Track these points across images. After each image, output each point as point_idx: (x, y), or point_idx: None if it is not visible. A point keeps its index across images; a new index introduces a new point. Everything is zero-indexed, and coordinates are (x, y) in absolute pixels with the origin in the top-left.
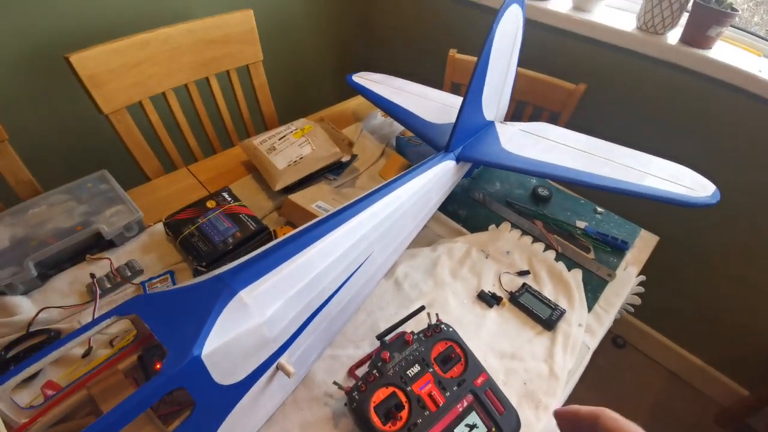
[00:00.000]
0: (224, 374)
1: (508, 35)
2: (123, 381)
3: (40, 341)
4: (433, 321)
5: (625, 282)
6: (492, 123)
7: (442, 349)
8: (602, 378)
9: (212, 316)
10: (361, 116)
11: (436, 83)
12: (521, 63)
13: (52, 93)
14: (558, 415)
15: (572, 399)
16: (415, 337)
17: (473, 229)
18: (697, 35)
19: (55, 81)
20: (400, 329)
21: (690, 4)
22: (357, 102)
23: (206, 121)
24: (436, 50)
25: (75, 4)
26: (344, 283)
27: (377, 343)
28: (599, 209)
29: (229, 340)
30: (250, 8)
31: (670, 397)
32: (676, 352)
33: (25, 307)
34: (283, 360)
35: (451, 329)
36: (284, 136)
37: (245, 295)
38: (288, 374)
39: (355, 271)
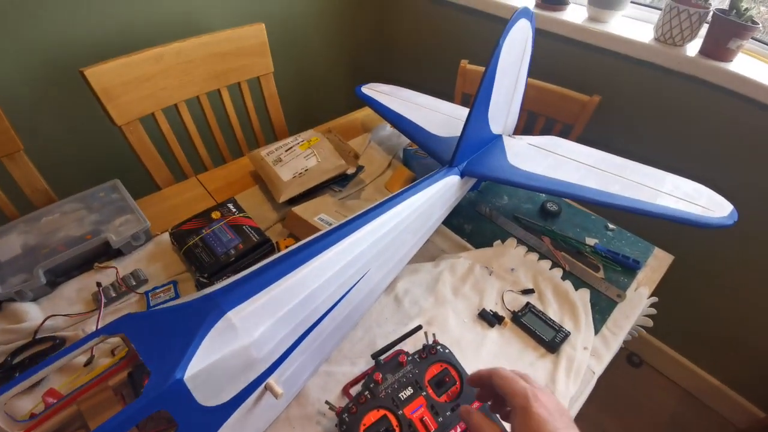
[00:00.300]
0: (209, 395)
1: (516, 49)
2: (112, 398)
3: (45, 348)
4: (430, 341)
5: (636, 303)
6: (499, 137)
7: (437, 371)
8: (617, 397)
9: (198, 338)
10: (369, 127)
11: (449, 95)
12: (534, 74)
13: (67, 104)
14: (468, 382)
15: (584, 418)
16: (410, 358)
17: (478, 245)
18: (717, 48)
19: (71, 93)
20: (397, 348)
21: (709, 16)
22: (366, 113)
23: (217, 131)
24: (449, 61)
25: (90, 18)
26: (338, 302)
27: (373, 361)
28: (611, 226)
29: (215, 361)
30: (261, 22)
31: (685, 418)
32: (693, 371)
33: (32, 313)
34: (272, 380)
35: (447, 350)
36: (291, 148)
37: (233, 315)
38: (276, 395)
39: (350, 290)
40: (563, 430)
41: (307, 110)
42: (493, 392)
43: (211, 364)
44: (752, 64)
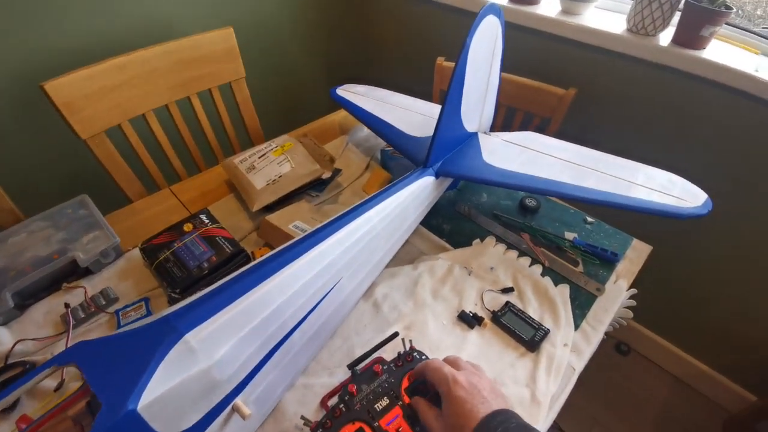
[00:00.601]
0: (169, 423)
1: (485, 46)
2: (71, 428)
3: (17, 374)
4: (407, 347)
5: (615, 296)
6: (474, 134)
7: (414, 379)
8: (607, 386)
9: (153, 364)
10: (346, 129)
11: (429, 93)
12: (509, 68)
13: (32, 119)
14: (413, 376)
15: (575, 408)
16: (385, 367)
17: (457, 245)
18: (690, 36)
19: (35, 107)
20: (375, 355)
21: (681, 4)
22: (343, 114)
23: (189, 140)
24: (427, 59)
25: (53, 29)
26: (309, 314)
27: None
28: (589, 219)
29: (173, 387)
30: (230, 26)
31: (676, 404)
32: (682, 357)
33: (3, 338)
34: (239, 400)
35: (423, 357)
36: (264, 154)
37: (191, 337)
38: (243, 416)
39: (320, 301)
40: (479, 405)
41: (287, 113)
42: None
43: (168, 391)
44: (726, 50)
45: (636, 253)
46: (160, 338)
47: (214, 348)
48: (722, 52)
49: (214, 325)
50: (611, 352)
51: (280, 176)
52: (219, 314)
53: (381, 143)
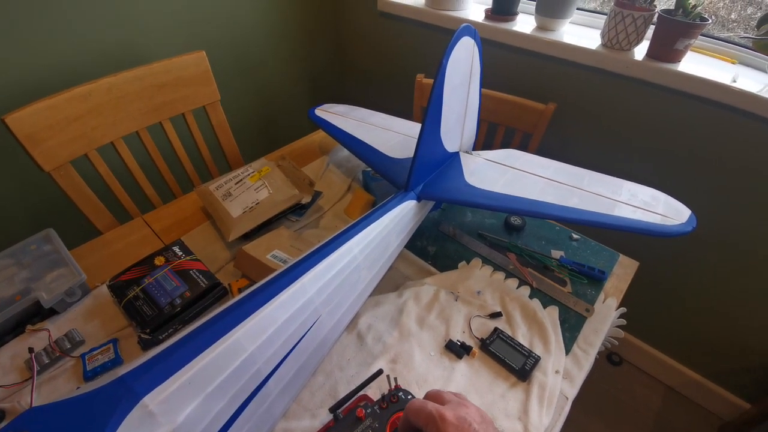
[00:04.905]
0: None
1: (462, 67)
2: None
3: None
4: (392, 386)
5: (605, 317)
6: (456, 154)
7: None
8: (600, 397)
9: None
10: (327, 149)
11: (410, 109)
12: (490, 84)
13: None
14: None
15: (567, 420)
16: (369, 410)
17: (443, 267)
18: (664, 49)
19: None
20: (360, 393)
21: (655, 18)
22: (323, 134)
23: (163, 166)
24: (408, 76)
25: (12, 60)
26: (285, 358)
27: None
28: (575, 235)
29: None
30: (208, 50)
31: (670, 414)
32: (674, 367)
33: None
34: None
35: (409, 396)
36: (241, 180)
37: (150, 400)
38: None
39: (297, 343)
40: None
41: (267, 134)
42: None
43: None
44: (703, 61)
45: (623, 270)
46: (114, 402)
47: (176, 409)
48: (698, 63)
49: (176, 384)
50: (603, 362)
51: (257, 203)
52: (181, 371)
53: (361, 164)
